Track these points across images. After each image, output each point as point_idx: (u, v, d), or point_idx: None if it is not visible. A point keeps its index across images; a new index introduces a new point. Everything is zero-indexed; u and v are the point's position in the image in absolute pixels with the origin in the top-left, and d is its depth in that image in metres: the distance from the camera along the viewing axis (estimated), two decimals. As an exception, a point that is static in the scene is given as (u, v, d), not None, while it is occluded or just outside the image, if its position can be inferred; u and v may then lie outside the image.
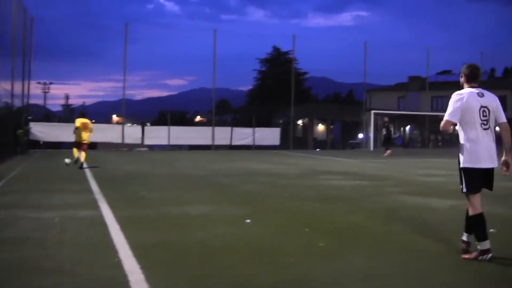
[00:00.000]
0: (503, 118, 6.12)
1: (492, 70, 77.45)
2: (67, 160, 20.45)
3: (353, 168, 21.54)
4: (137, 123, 59.90)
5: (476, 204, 6.04)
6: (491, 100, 6.14)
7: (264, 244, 6.83)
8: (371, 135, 44.86)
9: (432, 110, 55.56)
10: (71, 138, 20.42)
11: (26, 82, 36.15)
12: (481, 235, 5.97)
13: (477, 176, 6.02)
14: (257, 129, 43.63)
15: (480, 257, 5.95)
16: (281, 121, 61.52)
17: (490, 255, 5.91)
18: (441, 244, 6.92)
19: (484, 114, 6.04)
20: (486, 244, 5.94)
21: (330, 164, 23.81)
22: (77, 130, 19.91)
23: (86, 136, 20.04)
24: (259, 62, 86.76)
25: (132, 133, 39.86)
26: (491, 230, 7.62)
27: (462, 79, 6.33)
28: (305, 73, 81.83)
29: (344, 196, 12.04)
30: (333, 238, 7.28)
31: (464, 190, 6.08)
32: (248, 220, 8.44)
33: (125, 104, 40.62)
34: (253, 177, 16.39)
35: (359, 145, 48.61)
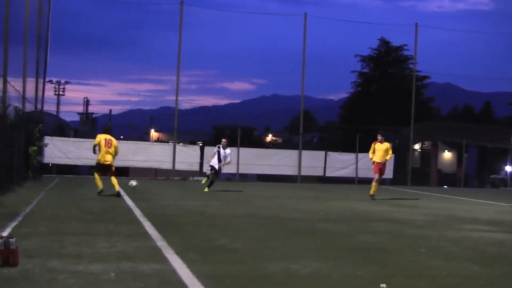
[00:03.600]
0: None
1: None
2: (133, 183, 23.42)
3: (509, 216, 21.11)
4: (185, 142, 60.59)
5: None
6: None
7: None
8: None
9: None
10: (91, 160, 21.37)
11: (40, 81, 36.75)
12: None
13: None
14: (362, 155, 43.37)
15: None
16: (391, 145, 61.10)
17: None
18: None
19: None
20: None
21: (471, 209, 23.41)
22: (98, 148, 22.49)
23: (109, 157, 22.52)
24: (360, 61, 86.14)
25: (187, 156, 40.26)
26: None
27: None
28: (426, 77, 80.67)
29: (510, 255, 11.75)
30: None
31: None
32: (383, 285, 8.27)
33: (176, 114, 41.17)
34: (367, 224, 16.26)
35: (505, 182, 47.64)
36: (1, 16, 21.65)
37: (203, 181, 28.53)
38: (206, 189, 27.32)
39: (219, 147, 27.57)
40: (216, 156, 27.35)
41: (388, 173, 43.57)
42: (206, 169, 29.19)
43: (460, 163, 53.84)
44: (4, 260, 8.59)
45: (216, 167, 27.33)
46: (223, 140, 28.35)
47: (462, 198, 30.14)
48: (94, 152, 22.78)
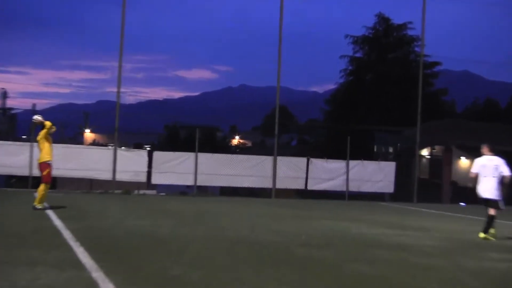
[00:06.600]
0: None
1: None
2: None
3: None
4: (129, 146, 60.60)
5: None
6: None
7: None
8: None
9: None
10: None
11: None
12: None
13: None
14: (354, 163, 43.53)
15: None
16: (391, 150, 61.38)
17: None
18: None
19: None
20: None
21: (497, 232, 23.48)
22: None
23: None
24: (352, 43, 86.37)
25: (131, 163, 40.20)
26: None
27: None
28: (436, 63, 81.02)
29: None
30: None
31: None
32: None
33: (118, 110, 41.11)
34: (363, 250, 16.34)
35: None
36: None
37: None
38: (491, 234, 21.16)
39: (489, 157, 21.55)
40: (485, 176, 21.27)
41: (388, 186, 43.82)
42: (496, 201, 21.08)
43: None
44: None
45: (493, 196, 21.21)
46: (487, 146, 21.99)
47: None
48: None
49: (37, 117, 24.25)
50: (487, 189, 21.01)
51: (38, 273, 11.19)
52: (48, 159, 23.64)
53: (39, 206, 23.38)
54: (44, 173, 23.65)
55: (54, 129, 24.38)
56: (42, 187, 23.63)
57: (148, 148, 55.06)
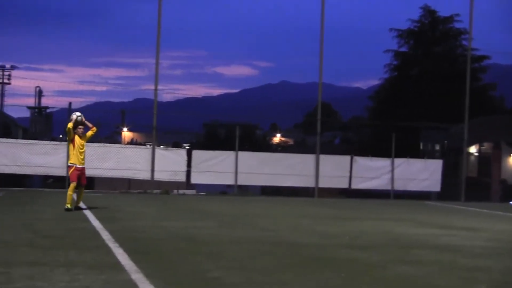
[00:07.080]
0: None
1: None
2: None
3: None
4: (167, 144, 60.80)
5: None
6: None
7: None
8: None
9: None
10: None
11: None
12: None
13: None
14: (399, 161, 43.33)
15: None
16: (437, 148, 61.09)
17: None
18: None
19: None
20: None
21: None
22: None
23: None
24: (396, 37, 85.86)
25: (170, 162, 40.28)
26: None
27: None
28: (485, 57, 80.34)
29: None
30: None
31: None
32: None
33: (155, 108, 41.21)
34: (408, 251, 16.26)
35: None
36: None
37: None
38: None
39: None
40: None
41: (435, 185, 43.57)
42: None
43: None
44: None
45: None
46: None
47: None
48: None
49: (72, 115, 24.10)
50: None
51: (76, 275, 11.28)
52: (70, 162, 23.76)
53: (67, 206, 23.41)
54: (69, 173, 23.83)
55: (93, 131, 24.35)
56: (69, 187, 23.79)
57: (187, 147, 55.07)
